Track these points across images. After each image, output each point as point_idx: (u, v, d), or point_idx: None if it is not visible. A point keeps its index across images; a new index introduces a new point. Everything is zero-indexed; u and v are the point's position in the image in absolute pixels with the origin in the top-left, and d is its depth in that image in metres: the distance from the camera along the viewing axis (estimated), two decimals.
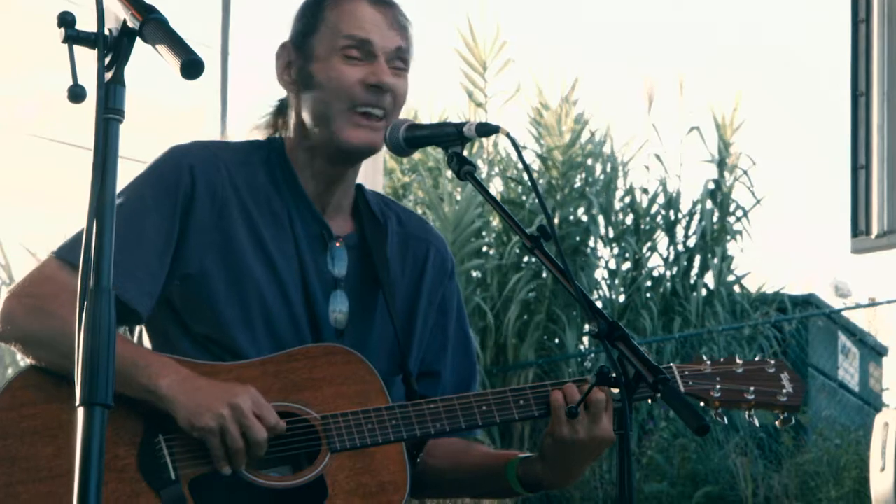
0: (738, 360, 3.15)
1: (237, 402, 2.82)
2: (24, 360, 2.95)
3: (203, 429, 2.82)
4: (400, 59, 3.08)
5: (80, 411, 2.06)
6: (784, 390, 3.13)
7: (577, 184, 12.04)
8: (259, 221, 3.05)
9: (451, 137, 2.93)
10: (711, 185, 12.18)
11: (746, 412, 3.14)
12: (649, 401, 3.03)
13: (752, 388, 3.12)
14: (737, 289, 12.24)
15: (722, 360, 3.16)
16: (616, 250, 12.18)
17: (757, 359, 3.19)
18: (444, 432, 2.98)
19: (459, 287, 3.33)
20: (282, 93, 3.21)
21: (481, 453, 3.24)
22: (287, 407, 2.91)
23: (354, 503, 2.88)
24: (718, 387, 3.09)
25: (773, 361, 3.18)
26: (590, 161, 12.10)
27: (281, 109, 3.21)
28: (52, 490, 2.77)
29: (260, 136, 3.21)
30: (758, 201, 12.33)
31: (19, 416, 2.85)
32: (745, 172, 12.33)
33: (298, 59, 3.10)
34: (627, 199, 12.30)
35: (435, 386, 3.17)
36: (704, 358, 3.15)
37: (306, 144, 3.10)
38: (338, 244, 3.11)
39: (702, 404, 3.11)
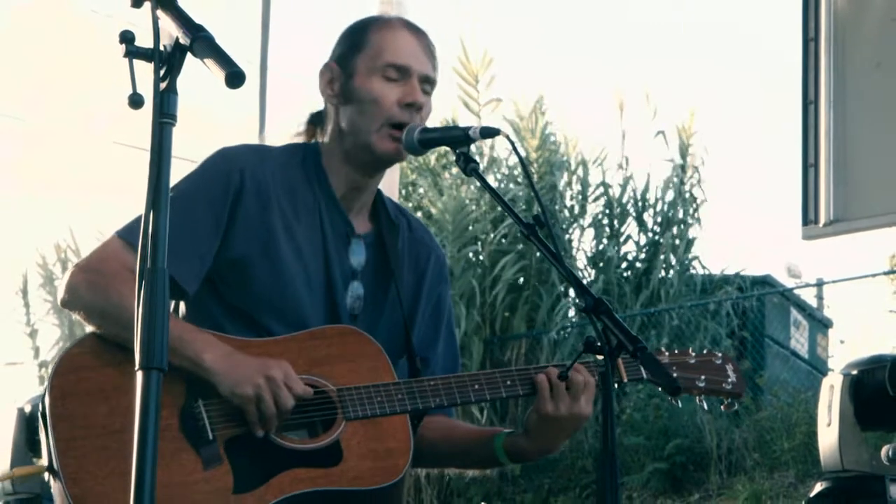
0: (691, 353, 3.14)
1: (272, 374, 2.82)
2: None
3: (242, 396, 2.81)
4: (428, 82, 3.10)
5: (139, 374, 2.05)
6: (729, 380, 3.15)
7: (553, 182, 12.05)
8: (293, 217, 3.04)
9: (458, 139, 2.93)
10: (675, 180, 12.20)
11: (697, 397, 3.14)
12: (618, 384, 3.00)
13: (703, 377, 3.12)
14: (701, 270, 12.23)
15: (677, 351, 3.15)
16: (594, 234, 12.22)
17: (705, 352, 3.18)
18: (442, 406, 2.98)
19: (450, 291, 3.33)
20: (314, 104, 3.20)
21: (469, 428, 3.25)
22: (308, 380, 2.89)
23: (365, 465, 2.86)
24: (675, 375, 3.04)
25: (720, 354, 3.18)
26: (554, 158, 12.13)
27: (315, 120, 3.20)
28: (107, 445, 2.74)
29: (299, 140, 3.21)
30: (705, 198, 12.38)
31: (77, 379, 2.82)
32: (697, 170, 12.34)
33: (341, 75, 3.10)
34: (600, 190, 12.30)
35: (425, 371, 3.15)
36: (663, 349, 3.15)
37: (341, 150, 3.10)
38: (358, 241, 3.11)
39: (660, 389, 3.10)
